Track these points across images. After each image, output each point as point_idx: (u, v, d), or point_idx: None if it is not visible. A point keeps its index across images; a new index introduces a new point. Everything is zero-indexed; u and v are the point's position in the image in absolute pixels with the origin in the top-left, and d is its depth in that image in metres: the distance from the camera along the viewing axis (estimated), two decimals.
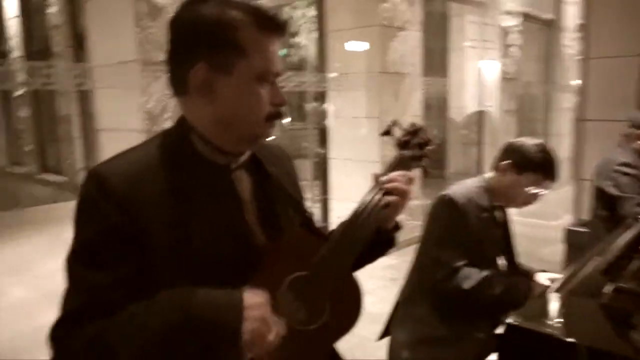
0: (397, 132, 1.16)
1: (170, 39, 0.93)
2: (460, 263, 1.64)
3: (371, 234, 1.00)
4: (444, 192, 1.72)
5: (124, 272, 0.84)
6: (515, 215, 6.27)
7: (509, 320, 0.95)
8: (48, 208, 6.94)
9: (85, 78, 3.46)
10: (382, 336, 1.88)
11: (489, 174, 1.79)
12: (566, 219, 4.11)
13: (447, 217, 1.69)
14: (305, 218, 1.08)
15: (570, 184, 3.86)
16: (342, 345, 1.02)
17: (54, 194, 7.73)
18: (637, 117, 2.69)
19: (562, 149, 7.91)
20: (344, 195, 4.90)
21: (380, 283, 3.78)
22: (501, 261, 1.80)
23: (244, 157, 1.00)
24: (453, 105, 6.67)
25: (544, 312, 1.03)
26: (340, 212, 5.15)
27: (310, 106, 5.34)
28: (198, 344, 0.80)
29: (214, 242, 0.90)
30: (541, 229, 5.40)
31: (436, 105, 6.71)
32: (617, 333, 0.94)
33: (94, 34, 3.53)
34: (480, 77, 6.66)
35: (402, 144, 1.14)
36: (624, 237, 1.51)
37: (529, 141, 1.74)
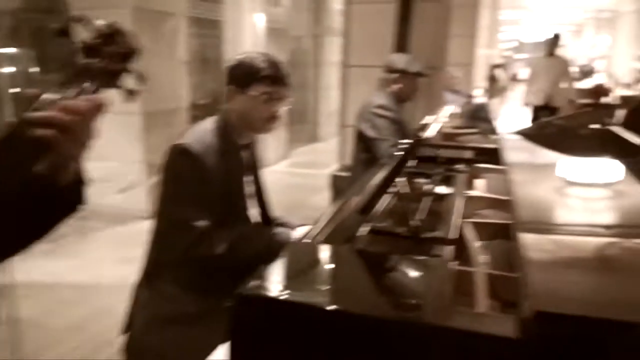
0: (85, 34, 0.77)
1: None
2: (207, 223, 1.36)
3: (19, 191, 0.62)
4: (177, 141, 1.40)
5: None
6: (287, 167, 6.34)
7: (241, 290, 0.69)
8: None
9: None
10: (127, 329, 1.51)
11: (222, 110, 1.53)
12: (334, 167, 4.23)
13: (182, 170, 1.38)
14: None
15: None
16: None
17: None
18: (392, 62, 2.75)
19: (332, 101, 8.33)
20: (97, 153, 4.25)
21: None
22: (254, 211, 1.56)
23: None
24: (230, 59, 6.36)
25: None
26: (95, 173, 4.48)
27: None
28: None
29: None
30: (312, 178, 5.55)
31: (213, 58, 6.32)
32: (377, 286, 0.73)
33: None
34: (255, 29, 6.44)
35: (88, 51, 0.75)
36: (378, 176, 1.40)
37: (239, 57, 1.51)
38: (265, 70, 1.43)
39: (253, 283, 0.67)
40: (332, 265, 0.84)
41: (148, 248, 1.49)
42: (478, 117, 5.41)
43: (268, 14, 6.34)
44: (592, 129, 1.82)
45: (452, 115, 5.43)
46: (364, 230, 1.02)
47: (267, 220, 1.63)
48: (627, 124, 5.00)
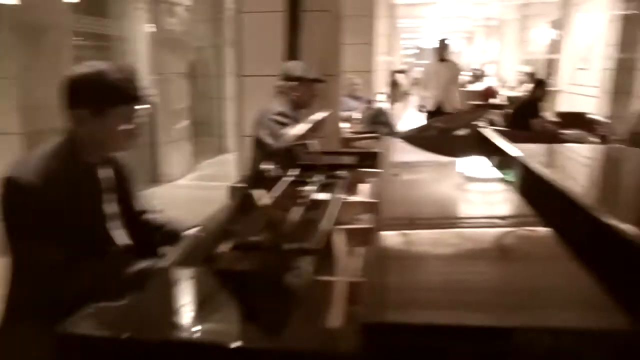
0: None
1: None
2: (55, 258, 1.23)
3: None
4: (7, 173, 1.24)
5: None
6: (192, 181, 6.10)
7: (59, 328, 0.61)
8: None
9: None
10: None
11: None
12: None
13: (16, 205, 1.23)
14: None
15: None
16: None
17: None
18: (289, 70, 2.74)
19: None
20: None
21: None
22: (119, 232, 1.44)
23: None
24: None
25: None
26: None
27: None
28: None
29: None
30: (218, 190, 5.42)
31: None
32: (220, 311, 0.69)
33: None
34: (150, 41, 6.19)
35: None
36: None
37: (84, 71, 1.31)
38: (120, 88, 1.32)
39: (73, 319, 0.61)
40: (178, 292, 0.78)
41: (7, 288, 1.34)
42: (379, 121, 5.58)
43: (164, 25, 6.13)
44: (467, 130, 1.91)
45: (353, 121, 5.57)
46: (226, 246, 0.98)
47: (140, 237, 1.51)
48: (512, 122, 5.36)
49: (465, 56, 19.76)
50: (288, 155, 1.95)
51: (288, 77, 2.67)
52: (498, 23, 15.17)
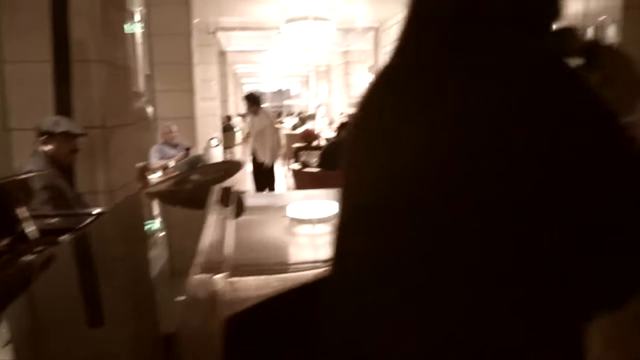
0: None
1: None
2: None
3: None
4: None
5: None
6: None
7: None
8: None
9: None
10: None
11: None
12: None
13: None
14: None
15: None
16: None
17: None
18: (39, 125, 2.55)
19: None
20: None
21: None
22: None
23: None
24: None
25: None
26: None
27: None
28: None
29: None
30: None
31: None
32: None
33: None
34: None
35: None
36: None
37: None
38: None
39: None
40: None
41: None
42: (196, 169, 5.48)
43: None
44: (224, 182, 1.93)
45: (168, 170, 5.40)
46: None
47: None
48: (321, 163, 5.64)
49: (302, 99, 20.76)
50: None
51: (38, 132, 2.50)
52: (326, 68, 16.25)
